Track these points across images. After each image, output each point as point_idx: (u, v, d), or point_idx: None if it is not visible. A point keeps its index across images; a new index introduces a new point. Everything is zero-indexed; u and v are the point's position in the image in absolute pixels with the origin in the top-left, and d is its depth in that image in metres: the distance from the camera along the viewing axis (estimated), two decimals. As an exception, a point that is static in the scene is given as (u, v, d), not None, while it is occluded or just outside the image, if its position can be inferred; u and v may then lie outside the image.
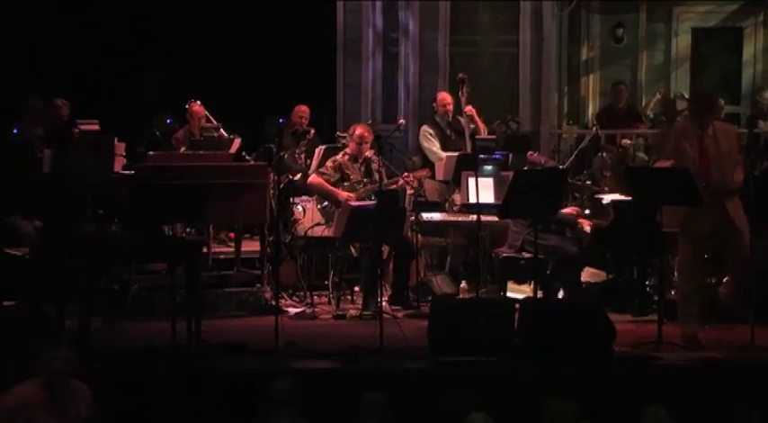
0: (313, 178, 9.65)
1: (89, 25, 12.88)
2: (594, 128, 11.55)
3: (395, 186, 9.60)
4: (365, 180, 9.56)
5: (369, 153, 9.61)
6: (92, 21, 12.90)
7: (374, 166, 9.51)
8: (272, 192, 9.67)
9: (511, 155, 10.18)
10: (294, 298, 9.54)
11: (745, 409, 6.38)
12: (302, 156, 10.84)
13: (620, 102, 12.47)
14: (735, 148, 8.21)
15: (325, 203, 9.55)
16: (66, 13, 12.85)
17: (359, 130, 9.66)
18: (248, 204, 9.27)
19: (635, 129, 12.14)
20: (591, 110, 13.01)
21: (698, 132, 8.11)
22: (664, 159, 8.29)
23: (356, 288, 9.61)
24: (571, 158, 10.83)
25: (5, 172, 9.18)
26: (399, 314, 8.86)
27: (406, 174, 9.74)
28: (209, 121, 11.11)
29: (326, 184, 9.48)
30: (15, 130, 10.05)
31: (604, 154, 10.93)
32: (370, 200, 9.29)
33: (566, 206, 9.48)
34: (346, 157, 9.61)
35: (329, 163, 9.65)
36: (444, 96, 10.68)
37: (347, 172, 9.55)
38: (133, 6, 12.95)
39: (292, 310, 9.18)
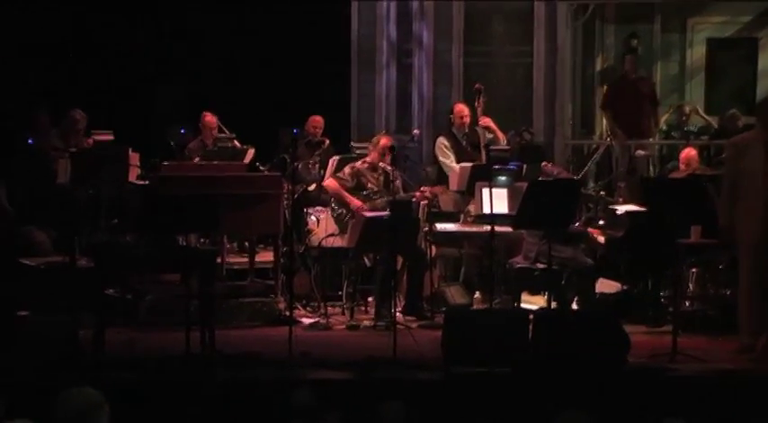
0: (330, 182, 9.69)
1: (105, 38, 12.93)
2: (608, 138, 11.55)
3: (413, 200, 9.63)
4: (383, 190, 9.56)
5: (384, 164, 9.63)
6: (108, 33, 12.95)
7: (392, 178, 9.55)
8: (285, 202, 9.68)
9: (525, 165, 10.17)
10: (308, 308, 9.55)
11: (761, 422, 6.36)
12: (316, 166, 10.85)
13: (632, 73, 12.39)
14: None
15: (340, 211, 9.56)
16: (82, 24, 12.91)
17: (383, 141, 9.69)
18: (262, 215, 9.27)
19: (646, 103, 12.09)
20: (605, 121, 13.00)
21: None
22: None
23: (370, 298, 9.61)
24: (585, 169, 10.83)
25: (21, 182, 9.23)
26: (413, 325, 8.85)
27: (423, 188, 9.75)
28: (221, 131, 11.14)
29: (342, 190, 9.51)
30: (30, 141, 10.09)
31: (612, 141, 10.98)
32: (386, 211, 9.30)
33: (581, 217, 9.48)
34: (365, 165, 9.62)
35: (347, 169, 9.68)
36: (461, 108, 10.65)
37: (364, 180, 9.56)
38: (148, 19, 12.99)
39: (306, 321, 9.20)
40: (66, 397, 4.19)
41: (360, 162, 9.68)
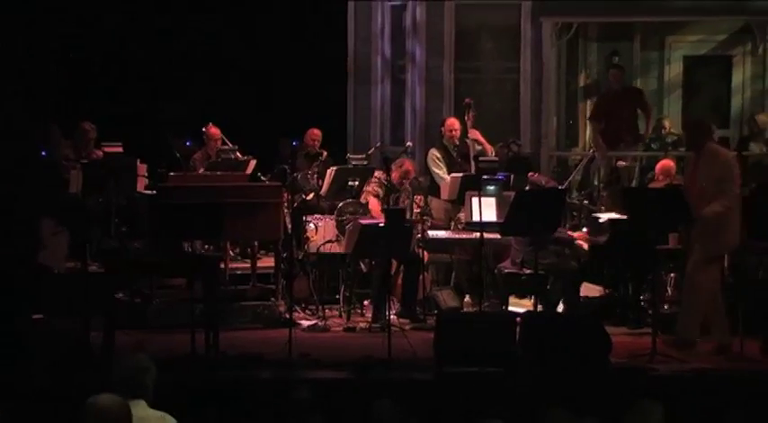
0: (372, 203, 9.65)
1: (114, 55, 12.95)
2: (591, 150, 11.56)
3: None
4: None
5: (404, 185, 9.64)
6: (117, 49, 12.97)
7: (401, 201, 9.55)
8: (285, 210, 9.68)
9: (512, 176, 10.18)
10: (307, 311, 9.54)
11: (736, 417, 6.37)
12: (314, 176, 10.84)
13: (617, 84, 12.42)
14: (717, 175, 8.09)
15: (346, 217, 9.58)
16: (93, 41, 12.92)
17: (407, 165, 9.72)
18: (263, 222, 9.27)
19: (633, 107, 12.11)
20: (588, 134, 13.01)
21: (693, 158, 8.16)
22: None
23: (366, 302, 9.62)
24: (569, 179, 10.84)
25: (36, 192, 9.21)
26: (407, 327, 8.87)
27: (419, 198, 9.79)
28: (225, 143, 11.13)
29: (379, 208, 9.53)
30: (43, 153, 10.07)
31: (596, 153, 11.02)
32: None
33: (564, 225, 9.48)
34: (380, 184, 9.58)
35: (375, 185, 9.68)
36: (452, 122, 10.66)
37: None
38: (155, 36, 13.00)
39: (305, 323, 9.18)
40: (120, 360, 4.75)
41: (383, 176, 9.64)
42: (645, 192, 8.50)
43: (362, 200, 9.78)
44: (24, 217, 8.79)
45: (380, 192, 9.61)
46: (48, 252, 8.67)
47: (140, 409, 4.42)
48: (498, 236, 8.93)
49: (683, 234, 8.47)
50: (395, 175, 9.55)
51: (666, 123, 12.55)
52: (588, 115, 12.73)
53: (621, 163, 11.49)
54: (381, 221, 9.00)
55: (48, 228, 8.84)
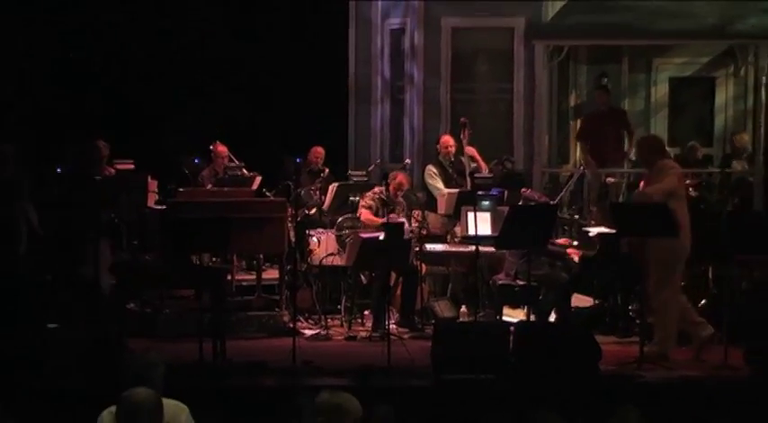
0: (364, 215, 9.65)
1: (126, 76, 13.02)
2: (581, 167, 11.58)
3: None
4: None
5: (397, 199, 9.65)
6: (129, 72, 13.04)
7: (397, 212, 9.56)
8: (289, 224, 9.70)
9: (506, 191, 10.20)
10: (310, 321, 9.54)
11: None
12: (317, 192, 10.87)
13: (603, 105, 12.46)
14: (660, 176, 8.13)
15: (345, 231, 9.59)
16: (107, 64, 12.99)
17: (399, 178, 9.71)
18: (268, 236, 9.29)
19: (618, 128, 12.14)
20: (579, 152, 13.03)
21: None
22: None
23: (366, 312, 9.62)
24: (561, 195, 10.86)
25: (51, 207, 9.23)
26: (405, 336, 8.87)
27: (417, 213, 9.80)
28: (231, 160, 11.15)
29: (373, 217, 9.50)
30: (59, 170, 10.08)
31: (585, 169, 11.04)
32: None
33: (557, 238, 9.50)
34: (385, 196, 9.59)
35: (369, 200, 9.65)
36: (447, 139, 10.70)
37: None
38: (166, 62, 13.07)
39: (308, 332, 9.19)
40: (132, 357, 5.09)
41: (378, 190, 9.65)
42: (631, 207, 8.47)
43: (358, 214, 9.79)
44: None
45: (373, 204, 9.61)
46: (98, 268, 8.65)
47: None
48: (493, 249, 8.94)
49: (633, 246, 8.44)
50: (390, 188, 9.58)
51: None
52: (575, 135, 12.76)
53: (610, 179, 11.51)
54: (380, 234, 9.02)
55: (104, 246, 8.81)
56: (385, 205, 9.45)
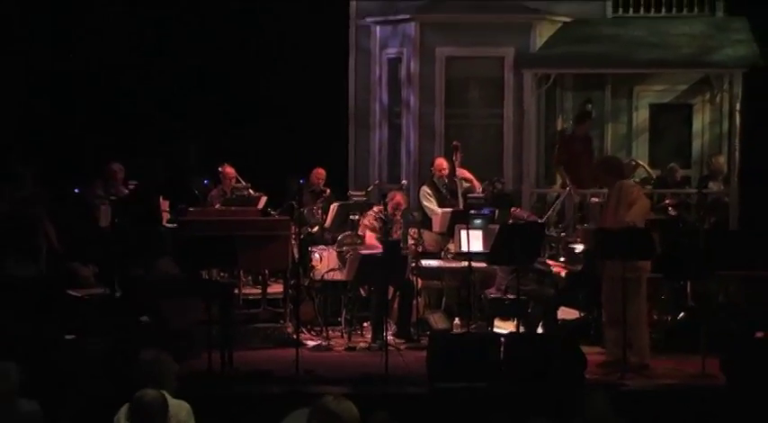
0: (368, 238, 9.65)
1: (140, 106, 13.12)
2: (568, 188, 11.60)
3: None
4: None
5: (396, 217, 9.65)
6: (143, 101, 13.13)
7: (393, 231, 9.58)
8: (293, 242, 9.71)
9: (497, 210, 10.21)
10: (312, 332, 9.54)
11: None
12: (319, 211, 10.89)
13: (580, 132, 12.49)
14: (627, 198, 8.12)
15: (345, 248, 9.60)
16: (122, 92, 13.08)
17: (397, 198, 9.67)
18: (273, 252, 9.30)
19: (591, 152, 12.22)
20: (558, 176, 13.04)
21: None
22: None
23: (365, 324, 9.62)
24: (548, 214, 10.87)
25: (69, 225, 9.24)
26: (402, 346, 8.85)
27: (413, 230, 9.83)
28: (238, 181, 11.17)
29: (377, 244, 9.50)
30: (76, 190, 10.10)
31: (571, 190, 11.06)
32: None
33: (543, 255, 9.50)
34: (384, 215, 9.59)
35: (372, 218, 9.62)
36: (441, 162, 10.71)
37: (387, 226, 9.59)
38: (176, 94, 13.16)
39: (311, 343, 9.18)
40: (145, 357, 5.26)
41: (378, 210, 9.66)
42: (614, 233, 8.30)
43: (360, 232, 9.80)
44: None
45: (376, 225, 9.63)
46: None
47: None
48: (484, 264, 8.96)
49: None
50: (388, 208, 9.60)
51: (634, 163, 12.58)
52: (554, 161, 12.77)
53: (594, 199, 11.53)
54: (379, 252, 9.03)
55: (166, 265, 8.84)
56: (384, 224, 9.47)
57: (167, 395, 5.01)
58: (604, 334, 8.27)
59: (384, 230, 9.55)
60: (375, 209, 9.80)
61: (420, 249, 9.69)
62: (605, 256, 8.12)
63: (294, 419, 4.63)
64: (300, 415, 4.49)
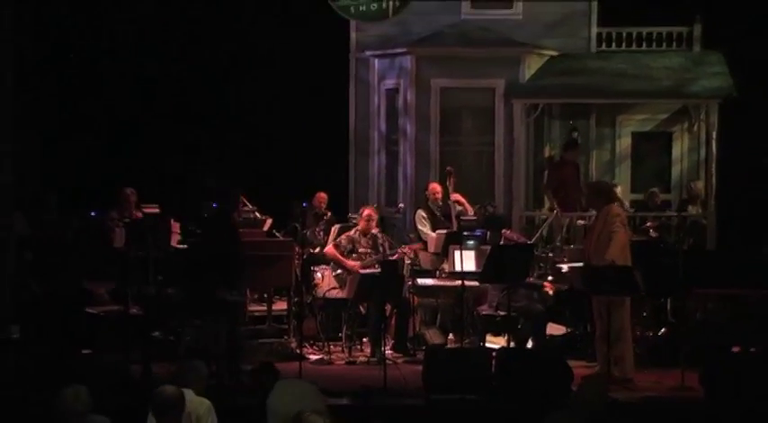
0: (328, 249, 9.72)
1: (151, 141, 13.18)
2: (555, 211, 11.63)
3: (395, 257, 9.68)
4: (370, 252, 9.64)
5: (375, 230, 9.72)
6: (150, 138, 13.20)
7: (379, 240, 9.63)
8: (296, 261, 9.72)
9: (489, 232, 10.22)
10: (314, 347, 9.52)
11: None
12: (321, 233, 10.90)
13: (569, 158, 12.55)
14: (608, 226, 8.10)
15: (339, 271, 9.61)
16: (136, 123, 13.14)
17: (367, 211, 9.78)
18: (278, 271, 9.31)
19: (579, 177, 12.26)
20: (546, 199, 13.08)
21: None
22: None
23: (364, 339, 9.61)
24: (537, 236, 10.89)
25: (87, 246, 9.25)
26: (399, 360, 8.86)
27: (403, 246, 9.83)
28: (245, 204, 11.17)
29: (338, 255, 9.55)
30: (93, 213, 10.11)
31: (558, 213, 11.09)
32: (375, 268, 9.36)
33: (533, 275, 9.51)
34: (357, 232, 9.70)
35: (344, 237, 9.73)
36: (434, 186, 10.74)
37: (357, 245, 9.64)
38: (187, 126, 13.23)
39: (313, 357, 9.17)
40: (180, 361, 5.71)
41: (353, 231, 9.76)
42: (600, 270, 8.27)
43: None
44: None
45: (343, 242, 9.59)
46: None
47: (187, 394, 5.22)
48: (477, 283, 8.96)
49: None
50: (362, 224, 9.65)
51: (619, 189, 12.62)
52: (543, 186, 12.81)
53: (580, 222, 11.57)
54: (377, 271, 9.06)
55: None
56: (365, 236, 9.51)
57: (191, 392, 5.29)
58: (596, 349, 8.27)
59: (374, 245, 9.58)
60: (351, 231, 9.81)
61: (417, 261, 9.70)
62: (593, 292, 8.13)
63: (281, 388, 4.64)
64: (287, 384, 4.60)
